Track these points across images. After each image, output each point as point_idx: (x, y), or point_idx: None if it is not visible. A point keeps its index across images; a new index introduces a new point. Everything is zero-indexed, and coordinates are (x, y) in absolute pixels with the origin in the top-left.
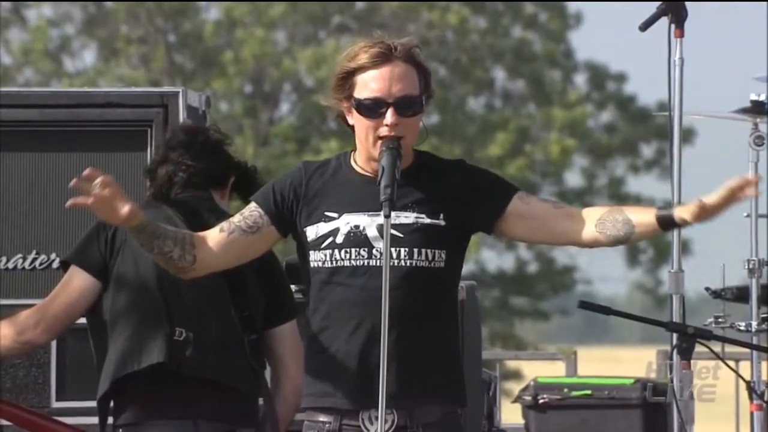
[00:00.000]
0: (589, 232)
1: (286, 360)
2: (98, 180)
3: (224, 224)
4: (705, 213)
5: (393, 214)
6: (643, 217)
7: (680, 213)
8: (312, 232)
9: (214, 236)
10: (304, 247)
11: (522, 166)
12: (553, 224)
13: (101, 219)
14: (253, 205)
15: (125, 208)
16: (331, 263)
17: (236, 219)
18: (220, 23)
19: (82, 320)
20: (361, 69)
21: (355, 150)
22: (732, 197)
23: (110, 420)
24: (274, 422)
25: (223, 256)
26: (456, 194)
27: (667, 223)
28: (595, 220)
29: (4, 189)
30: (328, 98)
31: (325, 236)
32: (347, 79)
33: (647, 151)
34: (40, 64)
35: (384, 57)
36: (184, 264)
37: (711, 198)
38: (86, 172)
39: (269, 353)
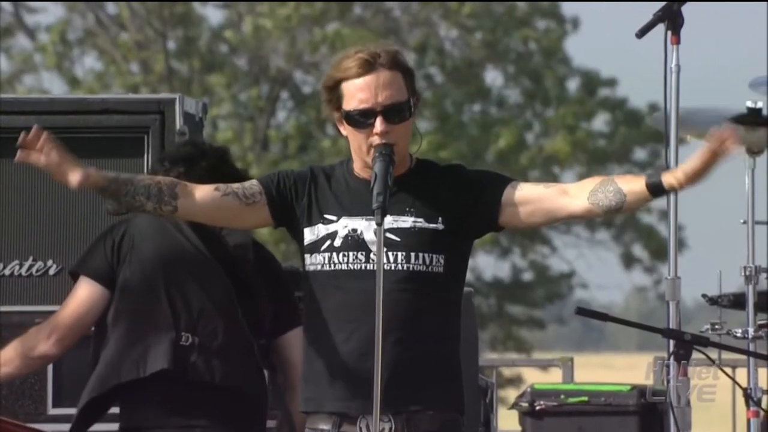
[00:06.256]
0: (582, 203)
1: (300, 365)
2: (43, 138)
3: (222, 185)
4: (690, 177)
5: (390, 218)
6: (634, 186)
7: (668, 179)
8: (310, 233)
9: (206, 190)
10: (301, 249)
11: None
12: (548, 203)
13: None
14: (255, 181)
15: (75, 177)
16: (329, 266)
17: (235, 185)
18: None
19: None
20: (346, 79)
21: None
22: (714, 157)
23: (102, 425)
24: (292, 427)
25: (208, 211)
26: (453, 197)
27: (657, 190)
28: (587, 191)
29: (1, 195)
30: (324, 108)
31: (323, 239)
32: (335, 89)
33: (641, 153)
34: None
35: (368, 66)
36: (161, 213)
37: (691, 164)
38: (33, 130)
39: (281, 359)
